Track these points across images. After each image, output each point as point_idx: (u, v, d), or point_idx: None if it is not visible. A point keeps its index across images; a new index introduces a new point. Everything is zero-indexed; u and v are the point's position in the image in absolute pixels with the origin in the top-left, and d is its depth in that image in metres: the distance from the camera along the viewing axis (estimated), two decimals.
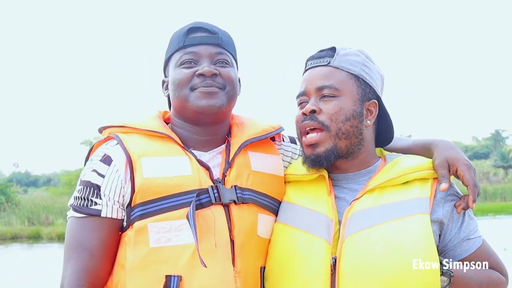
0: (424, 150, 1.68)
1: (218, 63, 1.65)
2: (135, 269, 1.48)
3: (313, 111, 1.61)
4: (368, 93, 1.65)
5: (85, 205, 1.53)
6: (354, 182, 1.64)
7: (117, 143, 1.58)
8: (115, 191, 1.52)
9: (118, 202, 1.53)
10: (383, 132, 1.72)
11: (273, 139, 1.82)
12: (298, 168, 1.72)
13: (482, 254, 1.58)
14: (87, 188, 1.54)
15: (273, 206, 1.68)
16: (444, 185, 1.54)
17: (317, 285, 1.49)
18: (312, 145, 1.61)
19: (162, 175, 1.53)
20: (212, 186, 1.56)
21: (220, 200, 1.56)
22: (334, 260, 1.49)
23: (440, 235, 1.56)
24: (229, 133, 1.73)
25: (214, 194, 1.55)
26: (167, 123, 1.72)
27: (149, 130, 1.63)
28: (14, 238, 17.04)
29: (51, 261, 10.44)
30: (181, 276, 1.47)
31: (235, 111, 1.76)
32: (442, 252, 1.56)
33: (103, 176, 1.54)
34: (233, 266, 1.53)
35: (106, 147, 1.60)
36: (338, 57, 1.64)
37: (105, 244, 1.52)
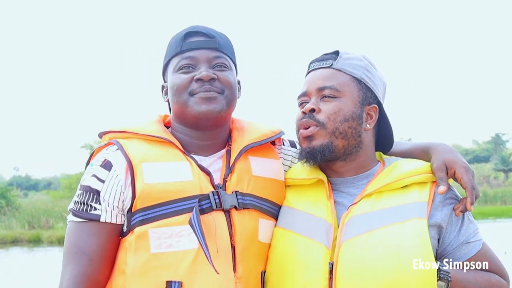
0: (423, 153, 1.68)
1: (216, 67, 1.64)
2: (135, 275, 1.48)
3: (313, 110, 1.62)
4: (369, 97, 1.65)
5: (84, 210, 1.53)
6: (353, 186, 1.64)
7: (118, 149, 1.58)
8: (114, 197, 1.52)
9: (118, 207, 1.53)
10: (384, 138, 1.73)
11: (273, 143, 1.82)
12: (298, 172, 1.72)
13: (482, 258, 1.57)
14: (86, 193, 1.54)
15: (274, 211, 1.68)
16: (442, 188, 1.54)
17: None
18: (308, 138, 1.62)
19: (163, 181, 1.53)
20: (213, 191, 1.56)
21: (221, 206, 1.55)
22: (331, 265, 1.49)
23: (439, 240, 1.55)
24: (229, 137, 1.73)
25: (215, 199, 1.55)
26: (168, 127, 1.72)
27: (150, 135, 1.62)
28: (15, 241, 17.00)
29: (51, 264, 10.43)
30: (182, 282, 1.47)
31: (236, 112, 1.76)
32: (441, 256, 1.56)
33: (103, 182, 1.54)
34: (234, 272, 1.53)
35: (107, 152, 1.60)
36: (341, 60, 1.65)
37: (104, 249, 1.52)
